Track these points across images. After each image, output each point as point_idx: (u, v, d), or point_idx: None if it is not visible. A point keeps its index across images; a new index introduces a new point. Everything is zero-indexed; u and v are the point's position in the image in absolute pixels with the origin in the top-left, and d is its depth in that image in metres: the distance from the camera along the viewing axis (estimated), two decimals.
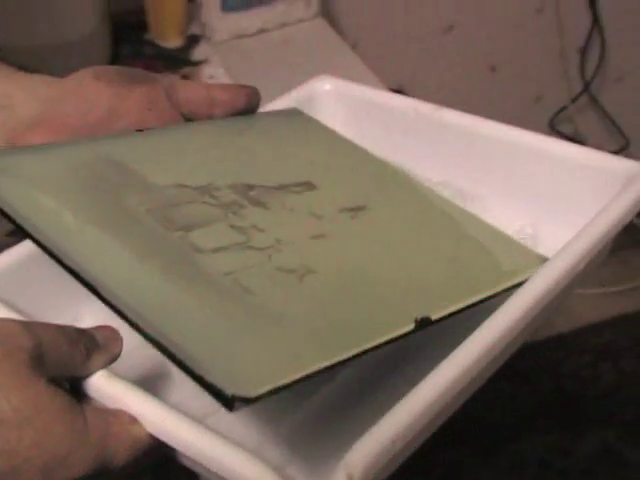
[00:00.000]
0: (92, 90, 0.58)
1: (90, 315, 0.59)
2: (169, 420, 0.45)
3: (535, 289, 0.52)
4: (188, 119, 0.61)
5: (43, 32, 1.05)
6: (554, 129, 1.75)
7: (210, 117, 0.61)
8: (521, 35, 1.66)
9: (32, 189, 0.50)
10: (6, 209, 0.48)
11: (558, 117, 1.74)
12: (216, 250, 0.50)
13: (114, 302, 0.44)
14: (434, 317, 0.49)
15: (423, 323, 0.49)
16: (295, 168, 0.61)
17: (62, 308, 0.59)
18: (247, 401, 0.41)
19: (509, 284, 0.53)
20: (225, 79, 1.13)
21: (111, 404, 0.46)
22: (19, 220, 0.48)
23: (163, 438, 0.45)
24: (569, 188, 0.64)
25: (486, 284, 0.53)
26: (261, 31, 1.26)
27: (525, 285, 0.52)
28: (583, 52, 1.69)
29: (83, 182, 0.52)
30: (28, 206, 0.49)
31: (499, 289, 0.53)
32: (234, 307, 0.47)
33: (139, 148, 0.56)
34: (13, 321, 0.45)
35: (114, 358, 0.48)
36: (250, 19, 1.24)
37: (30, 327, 0.45)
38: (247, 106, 0.62)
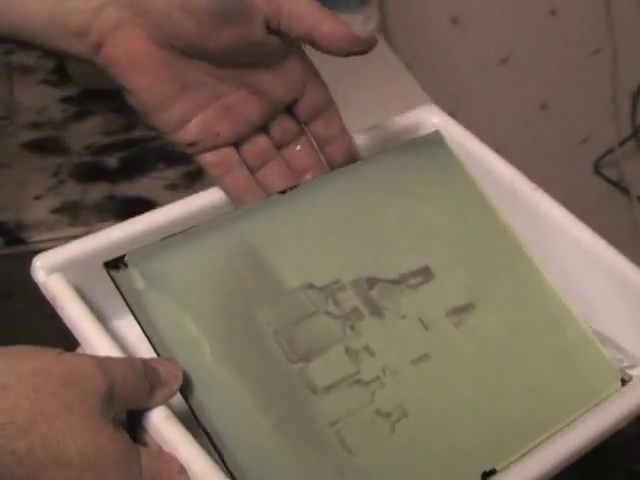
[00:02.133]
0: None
1: None
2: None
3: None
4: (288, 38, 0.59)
5: None
6: (598, 172, 1.74)
7: (311, 43, 0.58)
8: (575, 75, 1.65)
9: (178, 308, 0.55)
10: (149, 332, 0.53)
11: (604, 160, 1.74)
12: (328, 389, 0.56)
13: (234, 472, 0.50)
14: (499, 468, 0.55)
15: (487, 475, 0.55)
16: (419, 241, 0.64)
17: None
18: None
19: (577, 414, 0.59)
20: None
21: (164, 446, 0.49)
22: (159, 347, 0.53)
23: None
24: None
25: (559, 417, 0.59)
26: None
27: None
28: (635, 97, 1.68)
29: (223, 291, 0.57)
30: (172, 331, 0.54)
31: (568, 421, 0.58)
32: (332, 473, 0.53)
33: (273, 226, 0.61)
34: (89, 360, 0.47)
35: (173, 394, 0.50)
36: None
37: (103, 366, 0.47)
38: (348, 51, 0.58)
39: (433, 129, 0.70)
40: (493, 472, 0.55)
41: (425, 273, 0.63)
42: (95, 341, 0.53)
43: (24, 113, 1.09)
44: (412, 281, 0.62)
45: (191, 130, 0.61)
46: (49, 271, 0.56)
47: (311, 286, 0.59)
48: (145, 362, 0.50)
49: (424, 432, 0.56)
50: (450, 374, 0.59)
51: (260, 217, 0.61)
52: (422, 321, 0.61)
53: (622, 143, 1.70)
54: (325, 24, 0.58)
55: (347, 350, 0.58)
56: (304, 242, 0.61)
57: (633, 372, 0.62)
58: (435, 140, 0.69)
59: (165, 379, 0.50)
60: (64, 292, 0.55)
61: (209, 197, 0.64)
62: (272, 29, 0.58)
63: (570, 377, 0.61)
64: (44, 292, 0.56)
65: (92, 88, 1.12)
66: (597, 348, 0.63)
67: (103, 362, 0.47)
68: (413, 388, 0.58)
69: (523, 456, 0.56)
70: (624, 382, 0.62)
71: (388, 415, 0.56)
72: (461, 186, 0.68)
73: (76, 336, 0.54)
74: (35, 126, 1.07)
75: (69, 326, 0.54)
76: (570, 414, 0.59)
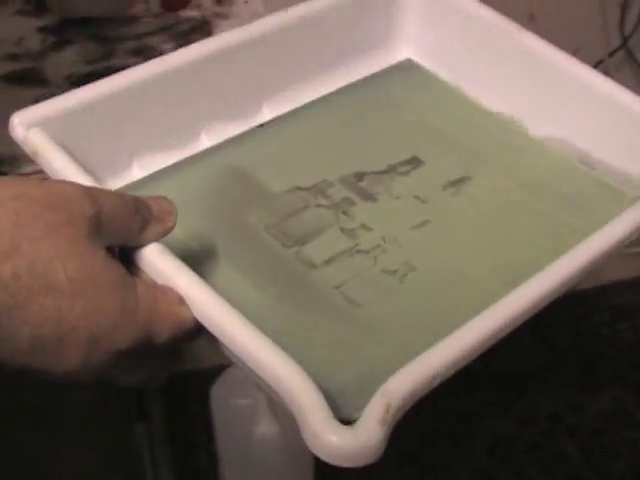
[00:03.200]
0: None
1: (139, 167, 0.61)
2: (216, 309, 0.46)
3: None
4: None
5: None
6: None
7: None
8: None
9: None
10: None
11: None
12: (327, 262, 0.55)
13: None
14: None
15: None
16: (403, 140, 0.64)
17: (114, 156, 0.59)
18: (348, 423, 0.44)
19: None
20: None
21: (161, 280, 0.47)
22: None
23: (207, 326, 0.46)
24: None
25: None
26: None
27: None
28: (624, 7, 1.66)
29: (210, 205, 0.58)
30: None
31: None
32: (343, 324, 0.52)
33: (257, 151, 0.62)
34: (75, 185, 0.45)
35: (167, 231, 0.49)
36: None
37: (91, 193, 0.44)
38: None
39: None
40: None
41: (414, 161, 0.63)
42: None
43: (1, 45, 1.07)
44: (402, 169, 0.62)
45: None
46: (27, 126, 0.55)
47: (298, 188, 0.59)
48: (137, 198, 0.48)
49: (434, 279, 0.56)
50: (452, 232, 0.59)
51: (242, 145, 0.61)
52: (418, 197, 0.60)
53: (611, 54, 1.68)
54: None
55: (342, 230, 0.57)
56: (287, 157, 0.61)
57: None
58: (408, 67, 0.69)
59: (158, 215, 0.48)
60: (46, 144, 0.54)
61: (183, 54, 0.62)
62: None
63: (578, 215, 0.61)
64: (25, 148, 0.54)
65: (70, 17, 1.10)
66: (601, 182, 0.63)
67: (90, 189, 0.45)
68: (416, 247, 0.57)
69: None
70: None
71: (394, 272, 0.55)
72: (440, 92, 0.68)
73: None
74: (13, 58, 1.05)
75: (54, 177, 0.53)
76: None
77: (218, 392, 1.24)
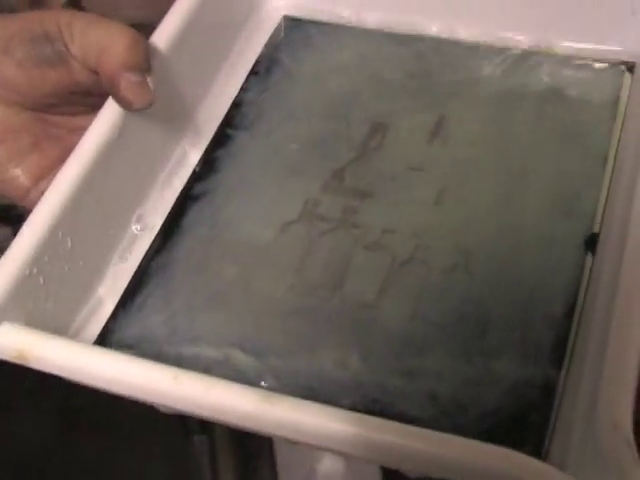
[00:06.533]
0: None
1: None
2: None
3: None
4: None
5: None
6: None
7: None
8: None
9: None
10: None
11: None
12: (380, 293, 0.47)
13: None
14: (597, 230, 0.48)
15: (591, 241, 0.48)
16: (346, 108, 0.56)
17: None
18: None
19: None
20: None
21: None
22: None
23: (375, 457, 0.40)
24: None
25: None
26: None
27: None
28: None
29: (215, 294, 0.50)
30: None
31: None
32: (456, 356, 0.46)
33: (213, 210, 0.54)
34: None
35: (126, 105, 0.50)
36: None
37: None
38: None
39: None
40: (595, 237, 0.48)
41: (377, 128, 0.54)
42: None
43: None
44: (372, 144, 0.54)
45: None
46: None
47: (289, 224, 0.51)
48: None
49: (498, 254, 0.48)
50: (475, 187, 0.52)
51: (197, 213, 0.54)
52: (413, 168, 0.52)
53: None
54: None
55: (367, 248, 0.49)
56: (250, 197, 0.53)
57: None
58: (291, 24, 0.62)
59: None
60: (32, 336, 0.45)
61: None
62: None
63: (577, 106, 0.54)
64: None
65: None
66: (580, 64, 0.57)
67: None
68: (454, 226, 0.50)
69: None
70: None
71: (455, 268, 0.48)
72: (344, 35, 0.60)
73: None
74: None
75: None
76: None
77: None
